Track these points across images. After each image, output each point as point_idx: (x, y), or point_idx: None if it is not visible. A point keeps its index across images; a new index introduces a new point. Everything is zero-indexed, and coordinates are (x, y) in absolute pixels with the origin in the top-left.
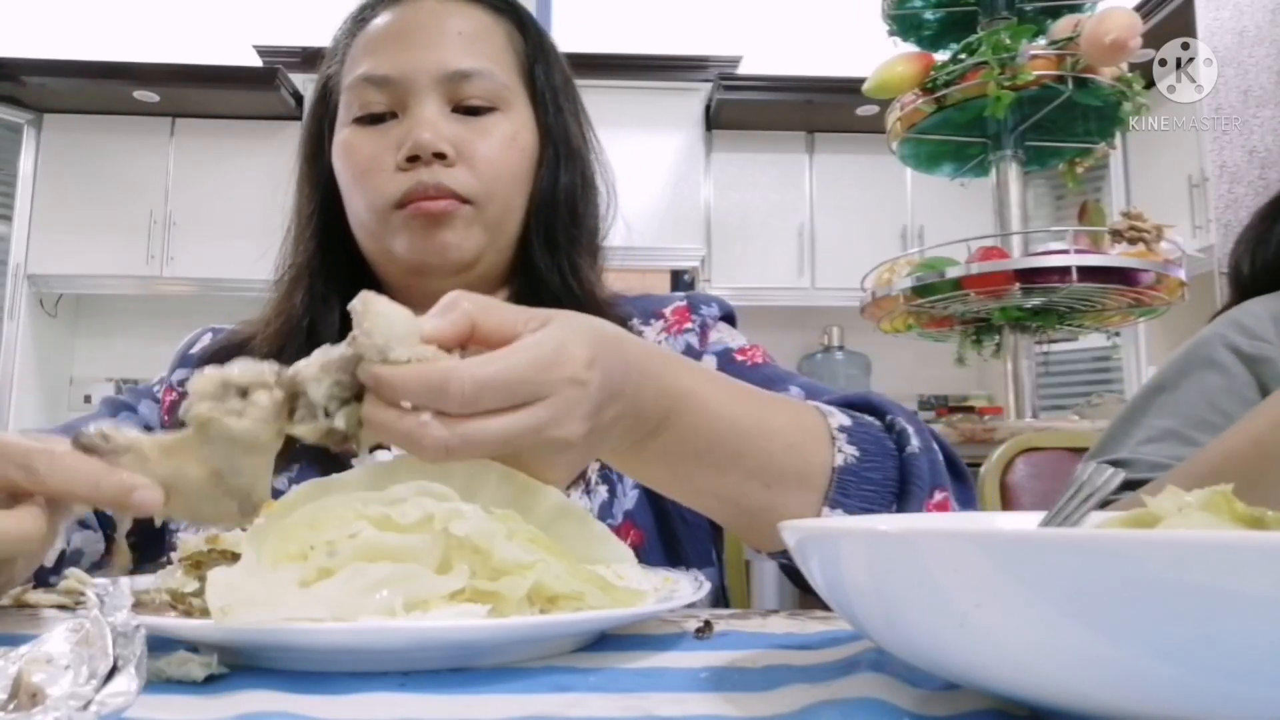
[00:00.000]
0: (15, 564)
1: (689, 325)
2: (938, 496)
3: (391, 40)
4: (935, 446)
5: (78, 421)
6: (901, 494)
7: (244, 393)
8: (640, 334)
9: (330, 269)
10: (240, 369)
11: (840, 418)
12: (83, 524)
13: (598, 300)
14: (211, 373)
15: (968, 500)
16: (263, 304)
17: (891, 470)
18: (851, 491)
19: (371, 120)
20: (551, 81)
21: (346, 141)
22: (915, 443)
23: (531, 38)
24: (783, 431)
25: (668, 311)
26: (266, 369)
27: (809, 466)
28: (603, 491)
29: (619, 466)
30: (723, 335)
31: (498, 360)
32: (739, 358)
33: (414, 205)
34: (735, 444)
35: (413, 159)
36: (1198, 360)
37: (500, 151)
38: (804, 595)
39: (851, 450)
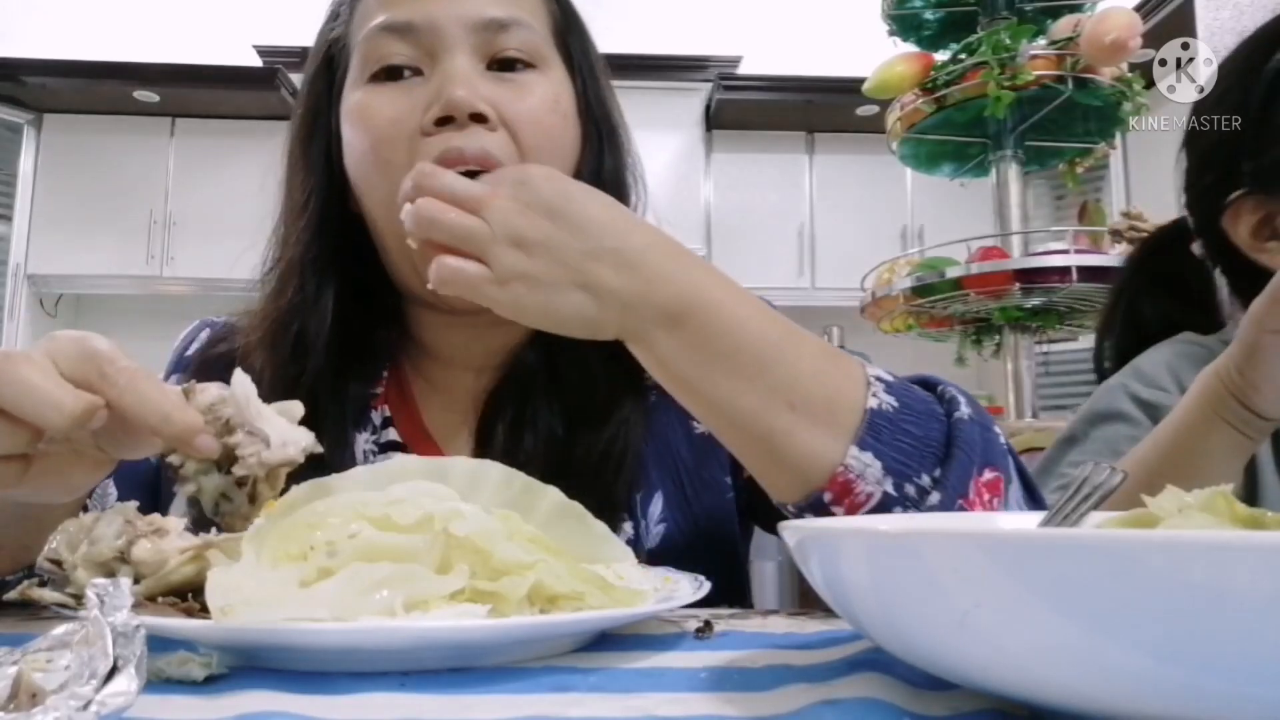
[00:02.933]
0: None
1: None
2: (988, 475)
3: None
4: (997, 430)
5: None
6: (946, 456)
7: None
8: None
9: (326, 265)
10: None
11: (880, 370)
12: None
13: None
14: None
15: (1036, 506)
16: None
17: (935, 431)
18: (885, 438)
19: (388, 76)
20: (586, 53)
21: (360, 103)
22: (966, 410)
23: (563, 5)
24: (811, 356)
25: None
26: None
27: (838, 399)
28: (628, 529)
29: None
30: None
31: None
32: None
33: None
34: (760, 353)
35: (443, 121)
36: (1102, 412)
37: (545, 114)
38: (804, 597)
39: (889, 398)
